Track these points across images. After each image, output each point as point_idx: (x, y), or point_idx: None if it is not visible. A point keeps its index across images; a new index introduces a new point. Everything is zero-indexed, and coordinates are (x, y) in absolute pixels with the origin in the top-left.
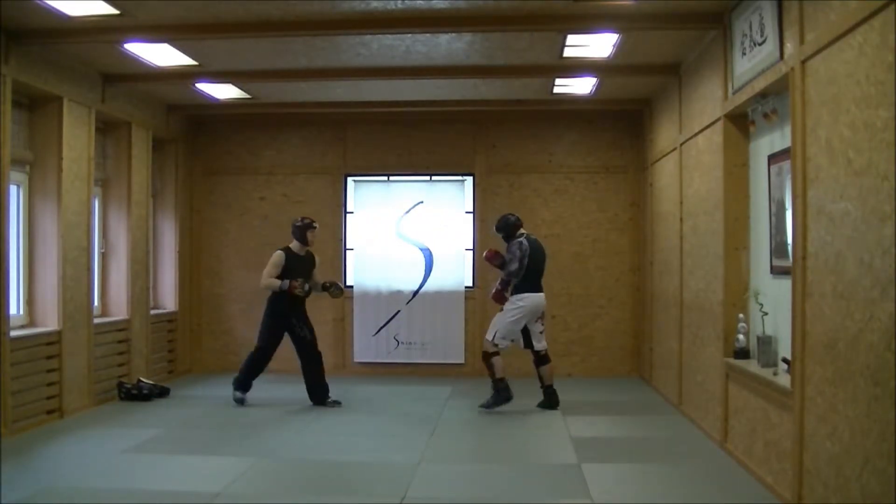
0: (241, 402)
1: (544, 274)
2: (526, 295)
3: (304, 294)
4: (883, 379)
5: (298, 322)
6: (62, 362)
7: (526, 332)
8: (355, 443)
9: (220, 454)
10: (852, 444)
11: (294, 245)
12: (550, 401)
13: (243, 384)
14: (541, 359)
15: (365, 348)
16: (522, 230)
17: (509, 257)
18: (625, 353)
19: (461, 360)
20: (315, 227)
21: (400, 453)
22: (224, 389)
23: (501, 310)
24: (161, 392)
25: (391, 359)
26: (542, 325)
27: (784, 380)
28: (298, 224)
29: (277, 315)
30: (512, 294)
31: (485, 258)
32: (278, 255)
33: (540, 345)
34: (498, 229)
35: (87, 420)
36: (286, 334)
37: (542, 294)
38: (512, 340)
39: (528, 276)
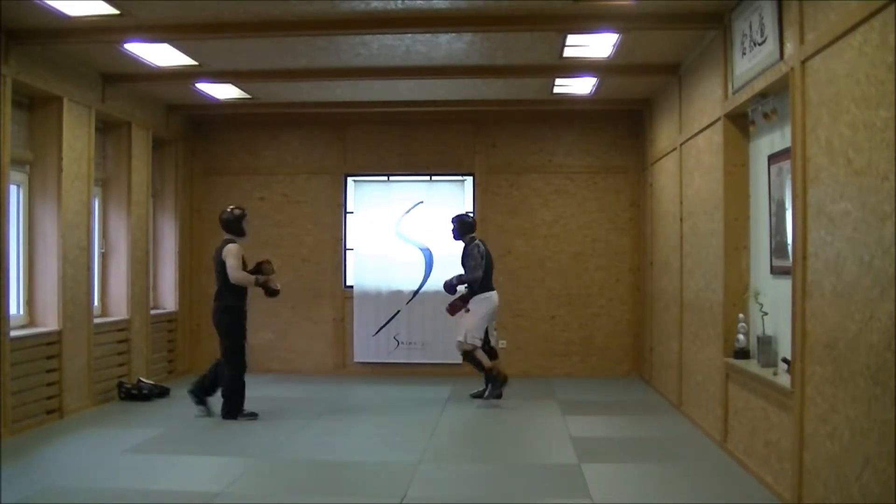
0: (253, 416)
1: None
2: (489, 294)
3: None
4: (883, 379)
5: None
6: (62, 362)
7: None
8: (355, 443)
9: (220, 454)
10: (852, 444)
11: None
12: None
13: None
14: (494, 356)
15: (365, 348)
16: (474, 234)
17: (472, 263)
18: (625, 353)
19: (461, 361)
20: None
21: (400, 453)
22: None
23: (467, 310)
24: (161, 392)
25: (391, 359)
26: (495, 324)
27: (784, 380)
28: (238, 214)
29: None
30: (476, 294)
31: (449, 313)
32: (237, 248)
33: (498, 344)
34: (453, 221)
35: (87, 420)
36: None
37: (496, 292)
38: (479, 339)
39: (488, 276)
